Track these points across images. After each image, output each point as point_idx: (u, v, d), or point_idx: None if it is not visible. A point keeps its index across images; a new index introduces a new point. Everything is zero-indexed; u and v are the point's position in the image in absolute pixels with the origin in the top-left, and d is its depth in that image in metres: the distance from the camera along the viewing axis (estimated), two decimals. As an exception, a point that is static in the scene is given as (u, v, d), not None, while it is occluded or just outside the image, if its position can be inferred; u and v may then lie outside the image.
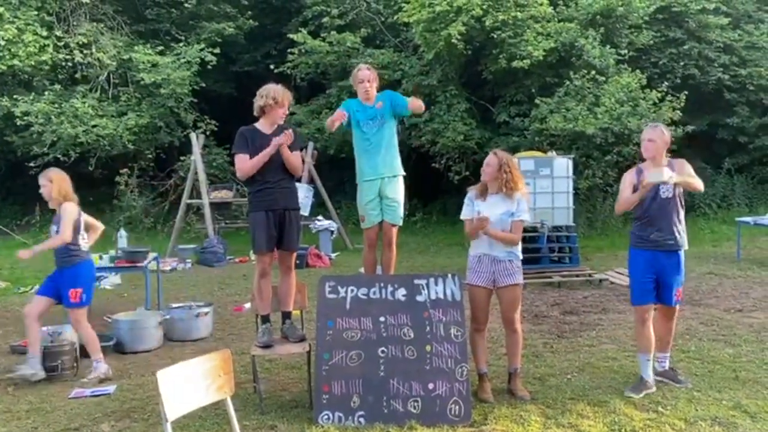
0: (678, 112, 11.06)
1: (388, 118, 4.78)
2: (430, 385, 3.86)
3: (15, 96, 13.03)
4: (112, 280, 9.04)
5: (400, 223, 4.82)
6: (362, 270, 5.18)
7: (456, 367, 3.90)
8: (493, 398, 4.22)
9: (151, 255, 6.94)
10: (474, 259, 4.35)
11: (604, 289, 7.90)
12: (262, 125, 4.49)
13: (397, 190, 4.80)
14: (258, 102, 4.45)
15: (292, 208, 4.48)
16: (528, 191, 4.46)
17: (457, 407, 3.81)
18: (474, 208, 4.32)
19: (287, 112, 4.54)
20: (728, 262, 9.59)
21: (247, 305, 7.17)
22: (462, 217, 4.40)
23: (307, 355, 4.26)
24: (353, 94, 4.97)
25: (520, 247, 4.32)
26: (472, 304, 4.35)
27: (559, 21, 12.40)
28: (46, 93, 13.08)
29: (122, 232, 7.16)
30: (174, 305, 6.36)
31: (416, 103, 4.80)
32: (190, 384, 2.43)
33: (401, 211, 4.83)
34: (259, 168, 4.35)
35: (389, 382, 3.86)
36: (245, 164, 4.36)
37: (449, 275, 4.15)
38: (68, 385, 4.73)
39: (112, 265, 6.44)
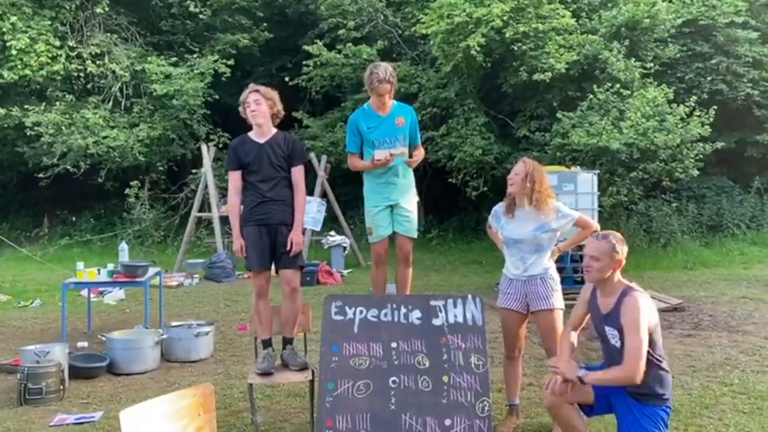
0: (707, 127, 10.57)
1: (407, 140, 4.34)
2: (447, 422, 3.42)
3: (26, 106, 12.88)
4: (116, 295, 8.73)
5: (416, 236, 4.39)
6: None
7: (476, 401, 3.46)
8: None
9: (153, 270, 6.59)
10: (504, 279, 3.92)
11: (631, 312, 7.41)
12: (253, 133, 4.20)
13: (411, 200, 4.37)
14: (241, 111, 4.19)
15: (287, 223, 4.12)
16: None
17: (477, 447, 3.37)
18: (499, 222, 3.92)
19: (266, 110, 4.13)
20: (762, 285, 9.06)
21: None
22: (489, 221, 4.04)
23: (310, 384, 3.86)
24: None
25: (552, 263, 3.87)
26: (503, 329, 3.97)
27: (582, 33, 12.01)
28: (58, 103, 12.92)
29: (123, 245, 6.81)
30: (173, 323, 5.98)
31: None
32: (161, 426, 2.03)
33: (416, 223, 4.39)
34: (259, 181, 4.08)
35: (401, 418, 3.43)
36: (236, 181, 4.17)
37: (469, 296, 3.73)
38: (52, 410, 4.35)
39: (111, 279, 6.09)
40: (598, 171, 9.19)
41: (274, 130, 4.22)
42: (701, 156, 11.07)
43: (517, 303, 3.84)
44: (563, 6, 12.15)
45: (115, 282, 6.17)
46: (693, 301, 8.01)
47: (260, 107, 4.12)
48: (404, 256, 4.33)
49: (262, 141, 4.14)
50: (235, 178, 4.16)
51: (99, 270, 6.20)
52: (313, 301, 8.43)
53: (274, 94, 4.23)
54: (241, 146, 4.15)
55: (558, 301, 3.82)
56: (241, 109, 4.22)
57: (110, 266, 6.19)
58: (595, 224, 3.88)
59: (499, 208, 3.94)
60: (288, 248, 4.05)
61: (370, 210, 4.35)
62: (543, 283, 3.79)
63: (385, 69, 4.23)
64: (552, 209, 3.75)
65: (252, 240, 4.05)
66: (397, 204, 4.31)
